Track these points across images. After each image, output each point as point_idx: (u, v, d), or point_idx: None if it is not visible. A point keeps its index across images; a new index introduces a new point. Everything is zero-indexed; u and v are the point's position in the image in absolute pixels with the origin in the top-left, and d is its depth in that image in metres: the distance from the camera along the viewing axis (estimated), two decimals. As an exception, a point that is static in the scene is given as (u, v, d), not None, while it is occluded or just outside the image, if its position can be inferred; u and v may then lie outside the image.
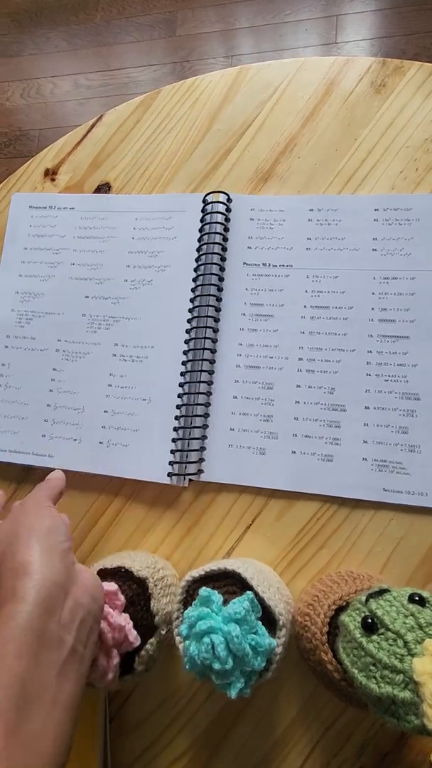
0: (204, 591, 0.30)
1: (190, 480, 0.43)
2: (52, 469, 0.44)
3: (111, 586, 0.32)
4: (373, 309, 0.43)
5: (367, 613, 0.29)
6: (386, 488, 0.39)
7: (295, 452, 0.41)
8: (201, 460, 0.43)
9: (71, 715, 0.24)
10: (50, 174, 0.53)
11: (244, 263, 0.46)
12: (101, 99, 1.34)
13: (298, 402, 0.42)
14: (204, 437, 0.43)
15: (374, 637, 0.27)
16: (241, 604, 0.30)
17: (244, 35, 1.32)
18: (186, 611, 0.31)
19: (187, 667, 0.30)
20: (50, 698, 0.23)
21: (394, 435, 0.40)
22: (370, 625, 0.28)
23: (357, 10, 1.27)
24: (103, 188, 0.52)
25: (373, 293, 0.43)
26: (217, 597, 0.30)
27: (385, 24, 1.25)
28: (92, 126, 0.54)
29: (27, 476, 0.46)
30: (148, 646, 0.33)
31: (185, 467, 0.43)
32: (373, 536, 0.39)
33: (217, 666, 0.28)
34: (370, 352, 0.42)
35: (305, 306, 0.44)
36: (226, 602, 0.31)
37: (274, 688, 0.38)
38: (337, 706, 0.37)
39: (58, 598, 0.26)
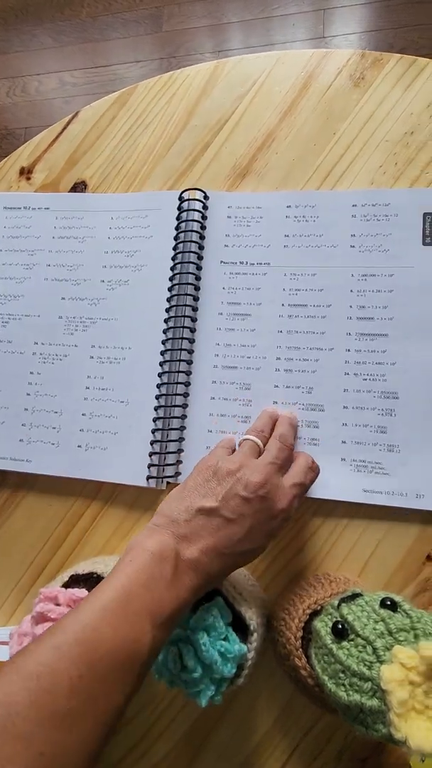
0: (172, 598, 0.30)
1: (168, 482, 0.42)
2: (29, 474, 0.44)
3: (81, 592, 0.32)
4: (351, 307, 0.42)
5: (338, 619, 0.28)
6: (365, 489, 0.39)
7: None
8: (179, 462, 0.42)
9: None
10: (25, 173, 0.52)
11: (221, 261, 0.46)
12: (87, 96, 1.32)
13: (276, 402, 0.42)
14: (181, 439, 0.43)
15: (344, 643, 0.27)
16: (209, 611, 0.29)
17: (232, 30, 1.31)
18: (155, 619, 0.30)
19: (156, 676, 0.30)
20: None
21: (373, 435, 0.39)
22: (341, 631, 0.27)
23: (345, 3, 1.26)
24: (79, 187, 0.51)
25: (351, 291, 0.42)
26: (186, 604, 0.29)
27: (374, 17, 1.24)
28: (68, 123, 0.53)
29: (3, 481, 0.46)
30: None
31: (163, 470, 0.42)
32: (352, 539, 0.39)
33: (184, 675, 0.28)
34: (349, 350, 0.41)
35: (283, 305, 0.43)
36: (195, 609, 0.30)
37: (253, 692, 0.38)
38: (315, 711, 0.36)
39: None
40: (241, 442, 0.36)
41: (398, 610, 0.27)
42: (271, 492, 0.31)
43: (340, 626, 0.27)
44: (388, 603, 0.28)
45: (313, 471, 0.35)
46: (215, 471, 0.32)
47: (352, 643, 0.26)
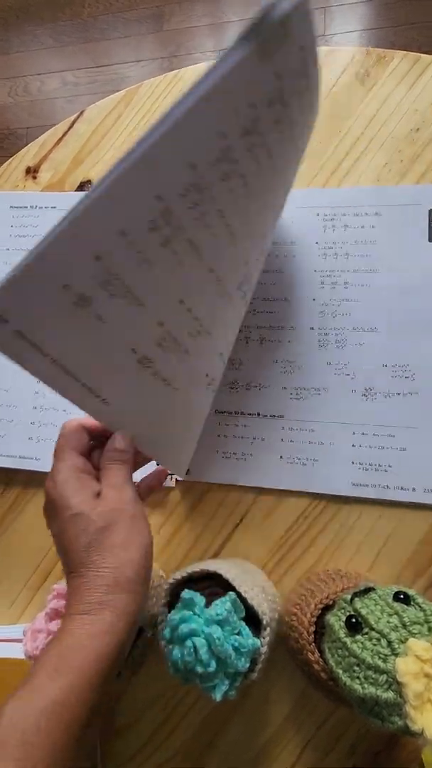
0: (186, 593, 0.30)
1: (177, 480, 0.43)
2: (37, 473, 0.44)
3: (94, 589, 0.32)
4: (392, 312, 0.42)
5: (352, 613, 0.28)
6: (374, 484, 0.39)
7: (282, 456, 0.41)
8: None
9: None
10: (31, 172, 0.53)
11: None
12: (89, 96, 1.32)
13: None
14: (190, 436, 0.43)
15: (358, 636, 0.27)
16: (223, 605, 0.29)
17: (233, 29, 1.31)
18: (169, 614, 0.30)
19: (170, 671, 0.30)
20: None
21: (381, 437, 0.39)
22: (355, 625, 0.27)
23: (345, 2, 1.26)
24: (86, 186, 0.51)
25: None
26: (199, 599, 0.30)
27: (375, 15, 1.24)
28: (73, 122, 0.53)
29: (13, 479, 0.46)
30: (133, 649, 0.33)
31: (172, 467, 0.42)
32: (362, 533, 0.39)
33: (199, 669, 0.28)
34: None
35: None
36: (209, 604, 0.30)
37: (265, 687, 0.38)
38: (328, 705, 0.37)
39: (136, 623, 0.27)
40: None
41: (411, 603, 0.27)
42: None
43: (353, 620, 0.28)
44: (401, 597, 0.28)
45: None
46: None
47: (366, 636, 0.27)
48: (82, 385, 0.26)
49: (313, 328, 0.42)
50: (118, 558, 0.26)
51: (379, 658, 0.25)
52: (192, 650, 0.29)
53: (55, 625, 0.30)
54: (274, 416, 0.41)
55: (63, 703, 0.22)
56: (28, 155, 0.53)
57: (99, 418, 0.29)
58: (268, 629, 0.31)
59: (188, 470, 0.42)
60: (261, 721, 0.38)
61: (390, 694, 0.24)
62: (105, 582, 0.25)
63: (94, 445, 0.32)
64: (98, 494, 0.29)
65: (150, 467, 0.35)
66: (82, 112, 0.54)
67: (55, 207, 0.50)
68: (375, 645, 0.26)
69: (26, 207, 0.50)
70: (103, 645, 0.24)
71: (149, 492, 0.34)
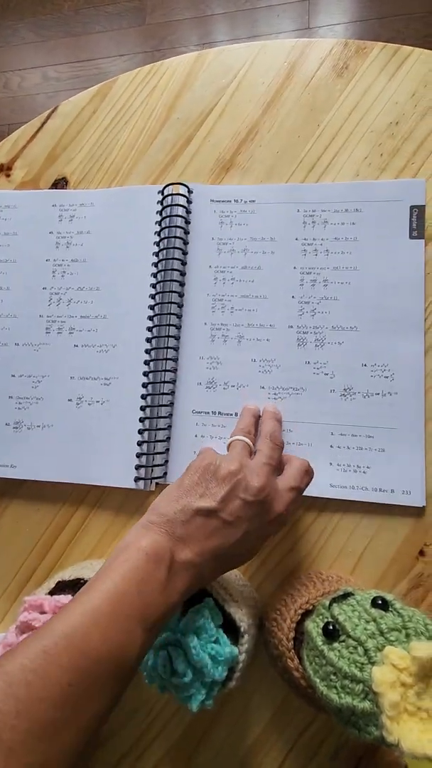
0: (160, 602, 0.29)
1: (156, 483, 0.42)
2: (14, 480, 0.43)
3: (67, 599, 0.31)
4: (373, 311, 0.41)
5: (329, 619, 0.28)
6: (352, 486, 0.38)
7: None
8: (166, 462, 0.42)
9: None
10: (5, 169, 0.51)
11: (209, 266, 0.44)
12: (71, 91, 1.30)
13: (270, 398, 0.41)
14: (168, 438, 0.42)
15: (335, 644, 0.26)
16: (199, 613, 0.28)
17: (217, 22, 1.29)
18: (144, 624, 0.29)
19: (146, 681, 0.29)
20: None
21: (360, 434, 0.39)
22: (332, 632, 0.27)
23: (330, -7, 1.24)
24: (60, 183, 0.50)
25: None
26: (174, 608, 0.29)
27: (359, 8, 1.23)
28: (47, 118, 0.52)
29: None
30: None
31: (151, 470, 0.41)
32: (344, 536, 0.38)
33: (175, 679, 0.27)
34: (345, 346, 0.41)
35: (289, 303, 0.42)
36: (185, 612, 0.29)
37: (247, 693, 0.37)
38: (309, 712, 0.36)
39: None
40: (229, 444, 0.35)
41: (389, 609, 0.27)
42: (270, 495, 0.31)
43: (331, 627, 0.27)
44: (380, 602, 0.27)
45: (309, 475, 0.34)
46: (215, 471, 0.31)
47: (343, 644, 0.26)
48: None
49: (291, 327, 0.42)
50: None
51: (356, 666, 0.25)
52: (167, 660, 0.28)
53: (26, 638, 0.29)
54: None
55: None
56: (1, 152, 0.52)
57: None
58: (247, 636, 0.30)
59: (165, 473, 0.41)
60: (244, 728, 0.37)
61: (366, 704, 0.24)
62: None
63: None
64: None
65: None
66: (56, 108, 0.52)
67: (29, 206, 0.49)
68: (352, 653, 0.25)
69: (-1, 206, 0.49)
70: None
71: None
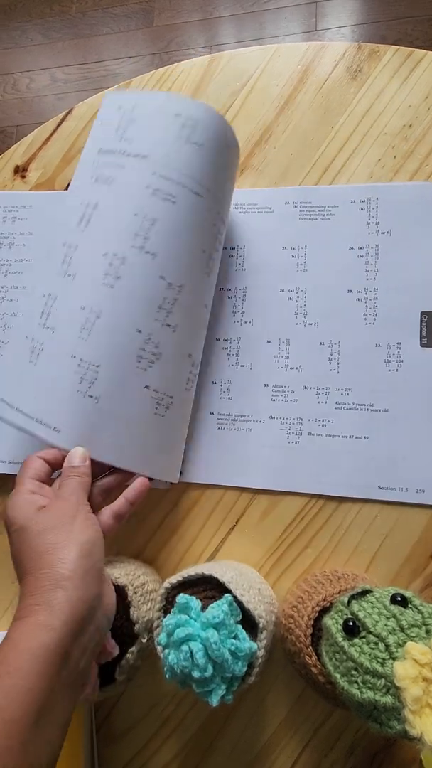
0: (181, 598, 0.29)
1: (171, 483, 0.42)
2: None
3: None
4: (365, 316, 0.42)
5: (349, 616, 0.28)
6: (369, 485, 0.39)
7: (274, 447, 0.40)
8: (183, 461, 0.42)
9: (65, 730, 0.25)
10: (20, 171, 0.52)
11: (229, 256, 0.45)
12: (79, 93, 1.31)
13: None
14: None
15: (356, 640, 0.27)
16: (219, 608, 0.29)
17: (224, 24, 1.30)
18: (165, 619, 0.30)
19: (167, 676, 0.30)
20: (58, 714, 0.24)
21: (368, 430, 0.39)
22: (352, 628, 0.27)
23: (337, -5, 1.25)
24: (76, 184, 0.50)
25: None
26: (195, 603, 0.29)
27: (366, 10, 1.23)
28: (62, 120, 0.52)
29: (2, 486, 0.45)
30: (128, 655, 0.32)
31: (166, 469, 0.42)
32: (359, 533, 0.39)
33: (196, 674, 0.28)
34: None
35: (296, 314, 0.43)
36: (205, 608, 0.30)
37: (262, 690, 0.38)
38: (325, 707, 0.36)
39: (86, 621, 0.26)
40: None
41: (409, 605, 0.27)
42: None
43: (351, 623, 0.27)
44: (399, 599, 0.27)
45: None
46: None
47: (363, 640, 0.26)
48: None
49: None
50: (53, 558, 0.27)
51: (377, 662, 0.25)
52: (188, 655, 0.28)
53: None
54: (273, 417, 0.41)
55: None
56: (16, 154, 0.52)
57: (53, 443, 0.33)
58: (265, 632, 0.30)
59: (181, 472, 0.42)
60: (259, 725, 0.38)
61: (388, 699, 0.24)
62: (41, 584, 0.26)
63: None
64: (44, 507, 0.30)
65: None
66: (71, 110, 0.53)
67: (45, 206, 0.49)
68: (373, 649, 0.25)
69: (15, 207, 0.49)
70: (37, 645, 0.24)
71: (122, 512, 0.34)
